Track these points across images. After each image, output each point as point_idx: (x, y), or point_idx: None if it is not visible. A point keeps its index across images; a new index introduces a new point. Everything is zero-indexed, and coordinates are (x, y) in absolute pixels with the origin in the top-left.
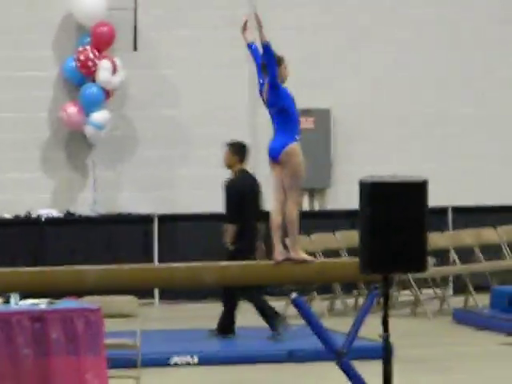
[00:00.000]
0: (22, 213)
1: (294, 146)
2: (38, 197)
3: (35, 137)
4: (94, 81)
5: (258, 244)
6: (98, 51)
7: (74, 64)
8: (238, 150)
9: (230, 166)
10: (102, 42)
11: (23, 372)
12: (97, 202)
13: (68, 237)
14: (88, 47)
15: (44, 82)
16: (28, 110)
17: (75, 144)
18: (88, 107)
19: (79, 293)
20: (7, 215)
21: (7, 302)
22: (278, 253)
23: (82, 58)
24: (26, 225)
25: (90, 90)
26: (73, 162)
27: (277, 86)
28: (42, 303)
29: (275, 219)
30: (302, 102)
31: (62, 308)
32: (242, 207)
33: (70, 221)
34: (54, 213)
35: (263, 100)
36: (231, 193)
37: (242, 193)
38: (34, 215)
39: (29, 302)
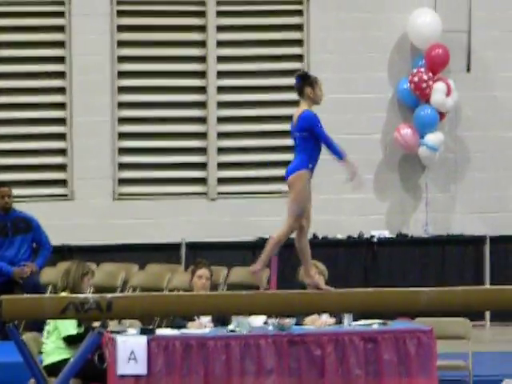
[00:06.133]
0: (354, 234)
1: (302, 172)
2: (370, 218)
3: (369, 158)
4: (428, 102)
5: None
6: (433, 73)
7: (408, 86)
8: None
9: None
10: (437, 63)
11: None
12: (429, 224)
13: (399, 257)
14: (422, 69)
15: (378, 103)
16: (362, 131)
17: (408, 166)
18: (422, 129)
19: (411, 314)
20: (340, 236)
21: (340, 322)
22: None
23: (416, 79)
24: (359, 246)
25: (425, 111)
26: (405, 183)
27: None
28: (374, 324)
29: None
30: None
31: (394, 329)
32: None
33: (402, 242)
34: (387, 234)
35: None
36: None
37: None
38: (366, 236)
39: (361, 323)
